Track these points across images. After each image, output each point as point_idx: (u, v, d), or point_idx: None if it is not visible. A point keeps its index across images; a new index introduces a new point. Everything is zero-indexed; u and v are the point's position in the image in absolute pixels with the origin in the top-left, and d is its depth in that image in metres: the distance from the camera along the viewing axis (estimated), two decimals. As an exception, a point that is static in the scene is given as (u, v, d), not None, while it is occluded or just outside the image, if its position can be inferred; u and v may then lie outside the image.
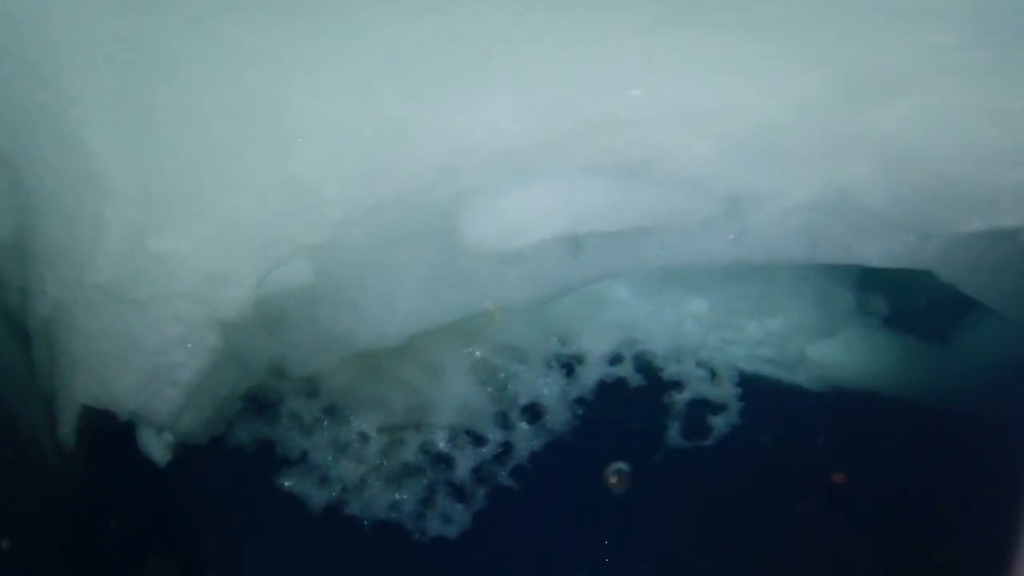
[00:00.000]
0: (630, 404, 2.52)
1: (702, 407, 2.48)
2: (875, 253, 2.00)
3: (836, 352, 2.47)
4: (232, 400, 2.70)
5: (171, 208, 2.33)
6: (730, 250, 2.10)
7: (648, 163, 1.96)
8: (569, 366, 2.57)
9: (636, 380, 2.52)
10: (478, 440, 2.60)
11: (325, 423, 2.71)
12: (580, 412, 2.53)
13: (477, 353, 2.60)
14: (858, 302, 2.46)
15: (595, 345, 2.53)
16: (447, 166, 1.97)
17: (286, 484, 2.70)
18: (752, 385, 2.50)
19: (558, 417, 2.54)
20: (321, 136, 2.10)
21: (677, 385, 2.51)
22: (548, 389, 2.56)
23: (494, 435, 2.58)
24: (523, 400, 2.58)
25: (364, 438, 2.69)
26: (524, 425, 2.57)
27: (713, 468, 2.43)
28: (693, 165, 1.92)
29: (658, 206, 2.03)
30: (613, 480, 2.42)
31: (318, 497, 2.67)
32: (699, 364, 2.50)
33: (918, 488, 2.27)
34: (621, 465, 2.43)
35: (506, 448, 2.57)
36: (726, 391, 2.48)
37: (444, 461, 2.62)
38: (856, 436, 2.36)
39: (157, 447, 2.71)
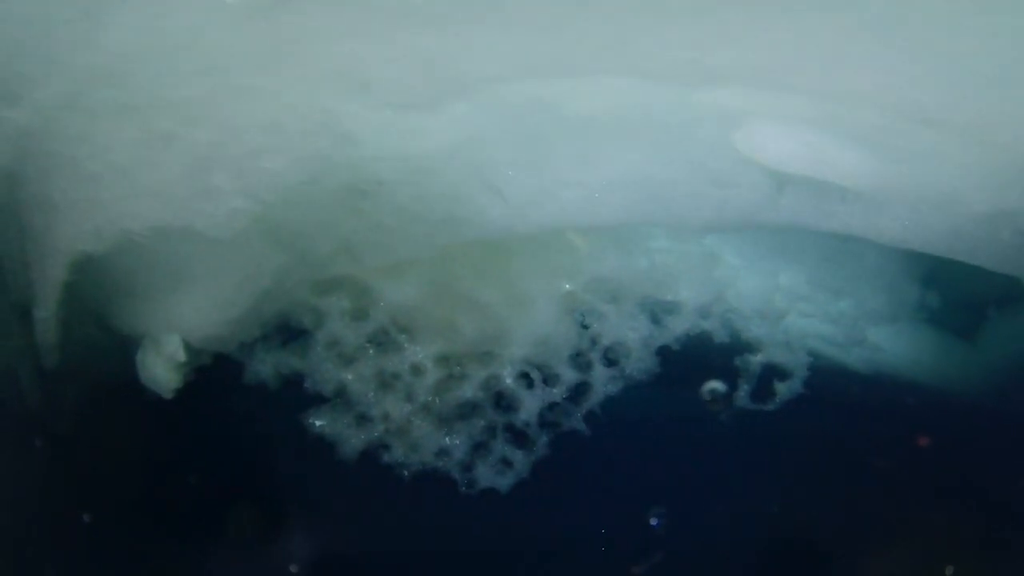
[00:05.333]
0: (710, 359, 2.46)
1: (772, 372, 2.50)
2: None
3: (887, 338, 2.62)
4: (274, 297, 2.15)
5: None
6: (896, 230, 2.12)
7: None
8: (656, 314, 2.43)
9: (720, 336, 2.47)
10: (549, 379, 2.37)
11: (371, 351, 2.28)
12: (662, 361, 2.41)
13: (567, 286, 2.34)
14: (919, 294, 2.63)
15: (690, 296, 2.41)
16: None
17: (316, 424, 2.26)
18: (812, 358, 2.56)
19: (639, 364, 2.40)
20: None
21: (752, 348, 2.50)
22: (634, 333, 2.40)
23: (568, 375, 2.37)
24: (606, 341, 2.39)
25: (417, 370, 2.31)
26: (602, 368, 2.39)
27: (773, 433, 2.48)
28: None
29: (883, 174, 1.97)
30: (708, 399, 2.37)
31: (355, 440, 2.27)
32: (777, 331, 2.51)
33: (939, 475, 2.53)
34: (716, 385, 2.38)
35: (579, 391, 2.38)
36: (796, 359, 2.52)
37: (508, 400, 2.36)
38: (894, 422, 2.55)
39: (163, 369, 2.09)
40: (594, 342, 2.37)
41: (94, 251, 1.95)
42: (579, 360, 2.37)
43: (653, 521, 2.36)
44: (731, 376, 2.47)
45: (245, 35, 1.77)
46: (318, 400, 2.31)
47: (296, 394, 2.30)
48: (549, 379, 2.35)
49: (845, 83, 1.79)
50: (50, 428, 2.22)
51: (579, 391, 2.36)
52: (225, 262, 2.06)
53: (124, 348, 2.18)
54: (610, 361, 2.38)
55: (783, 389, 2.52)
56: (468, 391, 2.33)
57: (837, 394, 2.57)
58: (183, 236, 1.85)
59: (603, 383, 2.37)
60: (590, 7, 1.66)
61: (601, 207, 1.89)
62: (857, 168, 1.99)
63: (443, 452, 2.33)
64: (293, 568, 2.33)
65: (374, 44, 1.72)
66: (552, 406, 2.35)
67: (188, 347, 2.18)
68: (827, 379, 2.55)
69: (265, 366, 2.30)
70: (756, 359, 2.50)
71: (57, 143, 1.94)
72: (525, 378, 2.34)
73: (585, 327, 2.37)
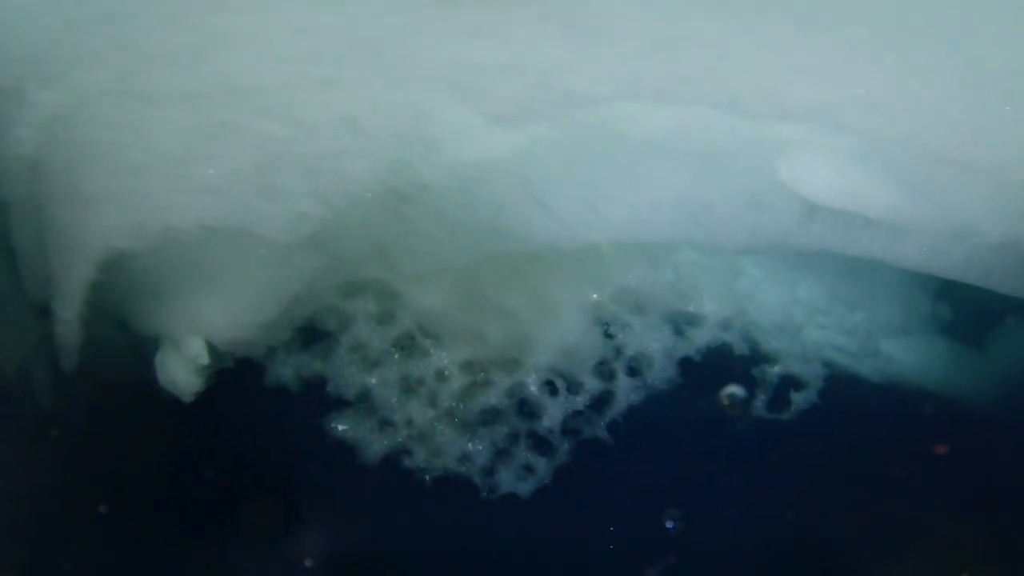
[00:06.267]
0: (730, 370, 2.48)
1: (788, 383, 2.54)
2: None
3: (900, 349, 2.67)
4: (305, 301, 2.12)
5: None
6: (915, 256, 2.18)
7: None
8: (679, 325, 2.44)
9: (740, 348, 2.49)
10: (573, 387, 2.38)
11: (396, 356, 2.26)
12: (683, 371, 2.43)
13: (595, 296, 2.35)
14: (932, 307, 2.68)
15: (714, 309, 2.43)
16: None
17: (339, 428, 2.24)
18: (827, 369, 2.60)
19: (661, 374, 2.42)
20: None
21: (770, 359, 2.53)
22: (657, 343, 2.41)
23: (592, 384, 2.38)
24: (630, 351, 2.41)
25: (442, 376, 2.30)
26: (625, 377, 2.40)
27: (789, 442, 2.52)
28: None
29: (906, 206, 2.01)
30: (726, 403, 2.40)
31: (377, 445, 2.26)
32: (795, 343, 2.54)
33: (950, 481, 2.59)
34: (735, 389, 2.41)
35: (603, 399, 2.39)
36: (812, 370, 2.56)
37: (532, 407, 2.36)
38: (906, 430, 2.60)
39: (184, 372, 2.04)
40: (618, 352, 2.39)
41: (130, 248, 1.83)
42: (603, 369, 2.38)
43: (669, 524, 2.39)
44: (749, 386, 2.51)
45: (363, 27, 1.65)
46: (341, 404, 2.30)
47: (319, 398, 2.29)
48: (573, 387, 2.36)
49: (888, 125, 1.83)
50: (67, 431, 2.17)
51: (602, 400, 2.38)
52: (259, 263, 2.01)
53: (149, 350, 2.14)
54: (633, 371, 2.40)
55: (799, 399, 2.56)
56: (492, 398, 2.33)
57: (851, 403, 2.62)
58: (237, 238, 1.75)
59: (626, 392, 2.39)
60: (700, 33, 1.64)
61: (642, 226, 1.90)
62: (883, 200, 2.06)
63: (466, 458, 2.33)
64: (311, 568, 2.33)
65: (493, 48, 1.61)
66: (575, 414, 2.36)
67: (213, 350, 2.14)
68: (842, 388, 2.60)
69: (287, 369, 2.28)
70: (774, 370, 2.53)
71: (95, 129, 1.81)
72: (549, 386, 2.35)
73: (610, 337, 2.38)
